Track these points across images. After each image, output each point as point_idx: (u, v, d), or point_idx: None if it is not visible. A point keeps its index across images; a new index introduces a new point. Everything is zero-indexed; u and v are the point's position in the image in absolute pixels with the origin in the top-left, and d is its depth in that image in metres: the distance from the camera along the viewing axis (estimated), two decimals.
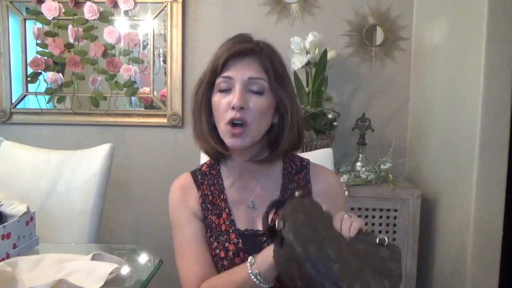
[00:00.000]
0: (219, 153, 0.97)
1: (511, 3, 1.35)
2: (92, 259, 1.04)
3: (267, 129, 0.94)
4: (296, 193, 0.84)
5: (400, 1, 2.01)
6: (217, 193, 1.00)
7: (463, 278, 1.46)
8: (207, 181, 1.02)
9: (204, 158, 1.50)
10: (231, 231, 0.96)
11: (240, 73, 0.90)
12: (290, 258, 0.73)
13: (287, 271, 0.74)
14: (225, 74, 0.91)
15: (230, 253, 0.94)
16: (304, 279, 0.71)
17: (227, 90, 0.91)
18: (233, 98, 0.89)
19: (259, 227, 0.94)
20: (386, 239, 0.78)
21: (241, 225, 0.97)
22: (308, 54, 1.83)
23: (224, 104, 0.90)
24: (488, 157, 1.39)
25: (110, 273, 0.97)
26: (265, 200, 0.96)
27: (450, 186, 1.61)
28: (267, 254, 0.81)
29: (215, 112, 0.93)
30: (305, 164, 1.02)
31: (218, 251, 0.95)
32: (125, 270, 1.05)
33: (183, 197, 1.02)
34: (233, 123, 0.89)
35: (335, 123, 1.90)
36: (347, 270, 0.69)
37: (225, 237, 0.96)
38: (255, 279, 0.82)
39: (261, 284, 0.82)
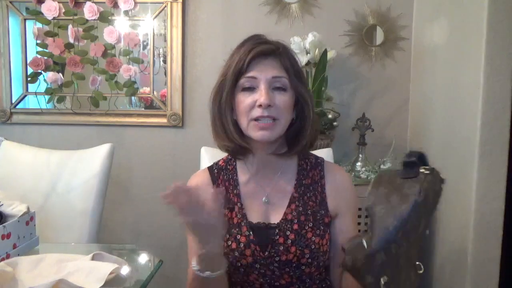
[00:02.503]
0: (242, 149, 1.00)
1: (511, 3, 1.35)
2: (92, 259, 1.04)
3: (288, 124, 0.99)
4: None
5: (400, 1, 2.01)
6: (231, 188, 1.04)
7: (463, 278, 1.46)
8: (222, 176, 1.07)
9: (204, 159, 1.50)
10: (243, 224, 1.00)
11: (265, 73, 0.95)
12: (403, 193, 0.81)
13: (385, 192, 0.83)
14: (250, 74, 0.95)
15: (241, 245, 0.97)
16: (388, 210, 0.81)
17: (250, 89, 0.95)
18: (260, 96, 0.93)
19: (272, 220, 1.00)
20: (422, 268, 0.90)
21: (254, 218, 1.01)
22: (308, 54, 1.83)
23: (249, 103, 0.95)
24: (488, 157, 1.39)
25: (110, 273, 0.97)
26: (279, 195, 1.03)
27: (450, 186, 1.61)
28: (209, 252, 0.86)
29: (238, 110, 0.97)
30: (319, 162, 1.08)
31: (230, 242, 0.98)
32: (125, 270, 1.05)
33: None
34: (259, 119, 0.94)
35: (335, 123, 1.90)
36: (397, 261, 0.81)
37: (237, 229, 1.00)
38: (198, 272, 0.87)
39: (200, 274, 0.87)
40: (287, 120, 0.98)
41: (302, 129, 1.00)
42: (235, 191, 1.04)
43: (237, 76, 0.96)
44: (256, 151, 1.02)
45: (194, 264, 0.88)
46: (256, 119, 0.94)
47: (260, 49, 0.95)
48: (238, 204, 1.02)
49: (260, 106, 0.93)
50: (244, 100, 0.95)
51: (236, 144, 0.99)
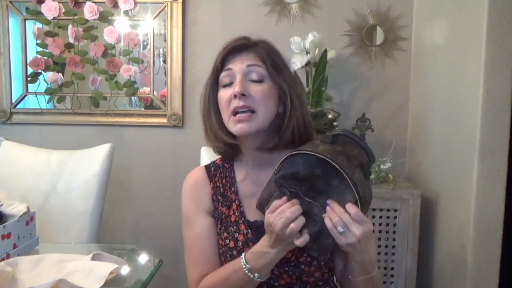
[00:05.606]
0: (231, 149, 1.01)
1: (511, 3, 1.35)
2: (92, 259, 1.04)
3: (272, 117, 0.97)
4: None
5: (400, 1, 2.01)
6: (228, 185, 1.03)
7: (463, 278, 1.46)
8: (219, 173, 1.06)
9: (204, 159, 1.50)
10: (241, 222, 0.99)
11: (239, 63, 0.96)
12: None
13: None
14: (226, 67, 0.97)
15: (240, 243, 0.97)
16: None
17: (229, 84, 0.96)
18: (234, 87, 0.93)
19: None
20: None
21: (251, 216, 1.00)
22: (308, 54, 1.83)
23: (228, 96, 0.95)
24: (488, 157, 1.39)
25: (110, 273, 0.97)
26: None
27: (450, 186, 1.61)
28: (259, 249, 0.87)
29: (221, 107, 0.98)
30: None
31: (228, 241, 0.98)
32: (125, 270, 1.05)
33: (194, 193, 1.05)
34: (237, 111, 0.93)
35: (335, 123, 1.90)
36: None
37: (234, 227, 0.99)
38: (249, 273, 0.88)
39: (254, 278, 0.88)
40: (268, 113, 0.95)
41: (284, 122, 0.97)
42: (232, 189, 1.03)
43: (215, 73, 0.98)
44: (245, 149, 1.01)
45: (243, 262, 0.89)
46: (235, 113, 0.93)
47: (233, 44, 0.98)
48: (236, 201, 1.01)
49: (235, 97, 0.93)
50: (224, 95, 0.96)
51: (224, 143, 0.99)
